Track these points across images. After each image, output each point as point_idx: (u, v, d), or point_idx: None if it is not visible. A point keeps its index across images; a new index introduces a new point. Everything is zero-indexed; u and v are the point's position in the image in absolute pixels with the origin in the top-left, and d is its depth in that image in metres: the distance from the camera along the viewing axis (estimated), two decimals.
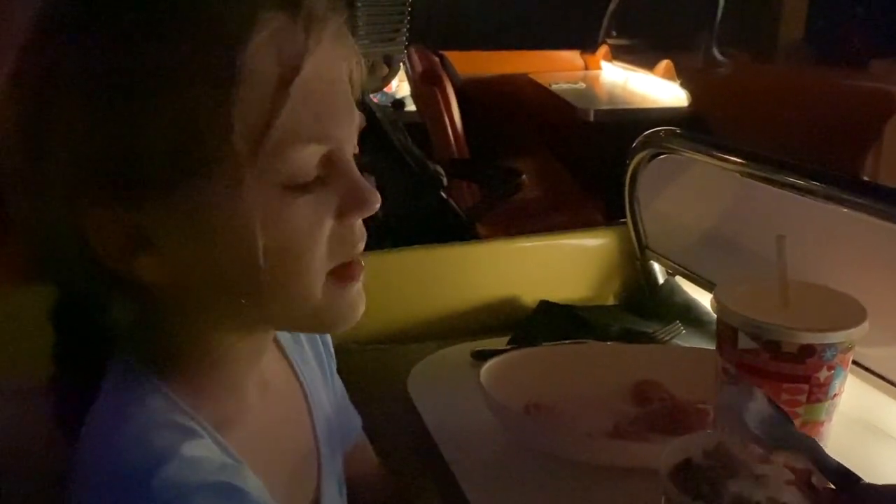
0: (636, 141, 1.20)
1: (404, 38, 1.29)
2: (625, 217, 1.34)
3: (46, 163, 0.48)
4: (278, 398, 0.66)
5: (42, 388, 0.59)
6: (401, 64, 1.53)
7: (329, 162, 0.52)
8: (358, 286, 0.56)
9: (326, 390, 0.75)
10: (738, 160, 1.02)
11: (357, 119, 0.55)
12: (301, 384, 0.70)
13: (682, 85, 3.14)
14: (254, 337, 0.59)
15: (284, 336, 0.71)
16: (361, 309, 0.57)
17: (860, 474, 0.78)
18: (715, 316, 1.17)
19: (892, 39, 3.64)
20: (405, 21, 1.24)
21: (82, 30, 0.48)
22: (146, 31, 0.47)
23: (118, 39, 0.47)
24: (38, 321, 1.03)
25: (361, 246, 0.55)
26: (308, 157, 0.50)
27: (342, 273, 0.54)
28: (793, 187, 0.94)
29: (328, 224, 0.52)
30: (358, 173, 0.54)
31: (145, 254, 0.50)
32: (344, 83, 0.53)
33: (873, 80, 3.23)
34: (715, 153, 1.06)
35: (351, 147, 0.54)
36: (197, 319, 0.55)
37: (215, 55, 0.46)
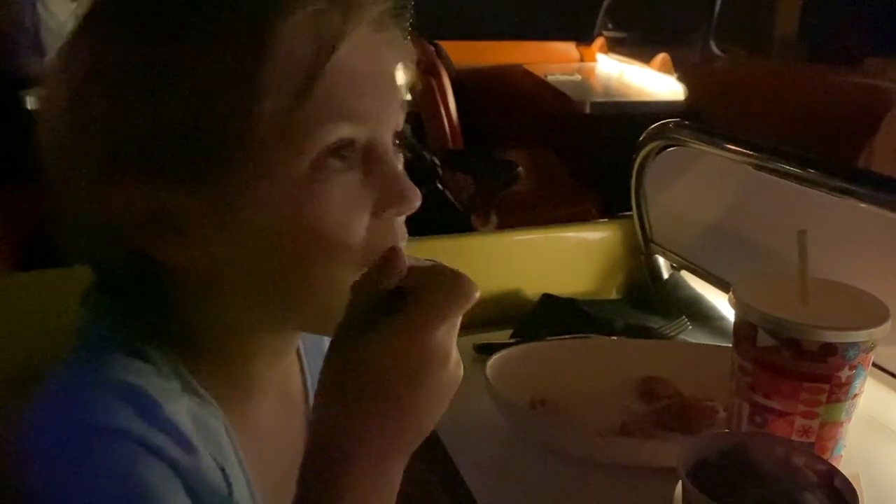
0: (644, 133, 1.17)
1: (408, 24, 1.25)
2: (621, 209, 1.32)
3: (82, 140, 0.48)
4: (287, 411, 0.64)
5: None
6: None
7: (368, 153, 0.50)
8: None
9: None
10: (751, 153, 1.00)
11: (401, 110, 0.52)
12: (303, 371, 0.68)
13: (679, 79, 3.12)
14: (276, 337, 0.57)
15: (310, 339, 0.68)
16: None
17: (869, 471, 0.77)
18: (721, 312, 1.18)
19: (885, 37, 3.65)
20: (409, 6, 1.21)
21: (122, 11, 0.48)
22: (180, 13, 0.46)
23: (153, 20, 0.47)
24: (32, 308, 1.01)
25: (401, 245, 0.52)
26: (339, 136, 0.48)
27: None
28: (808, 181, 0.92)
29: (365, 218, 0.50)
30: (399, 167, 0.51)
31: (170, 235, 0.49)
32: (386, 69, 0.51)
33: (868, 77, 3.23)
34: (726, 145, 1.04)
35: (390, 138, 0.52)
36: (216, 311, 0.53)
37: (248, 29, 0.45)
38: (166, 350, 0.52)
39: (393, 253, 0.48)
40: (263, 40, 0.45)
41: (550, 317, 1.19)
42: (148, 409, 0.46)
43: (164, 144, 0.46)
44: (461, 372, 0.49)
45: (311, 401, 0.66)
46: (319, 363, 0.67)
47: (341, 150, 0.48)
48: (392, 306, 0.47)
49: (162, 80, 0.46)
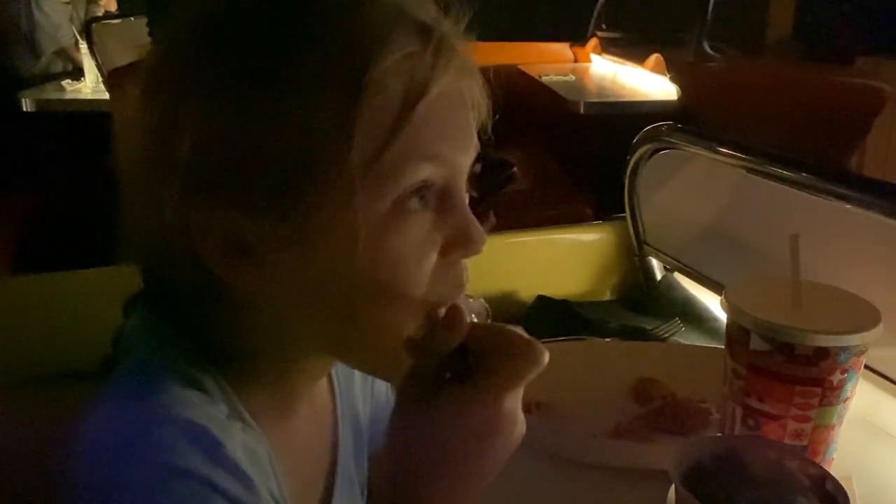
0: (638, 135, 1.18)
1: None
2: (616, 210, 1.33)
3: (168, 160, 0.48)
4: (316, 424, 0.64)
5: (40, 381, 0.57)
6: None
7: (443, 195, 0.51)
8: None
9: (363, 391, 0.72)
10: (743, 156, 1.01)
11: (473, 153, 0.53)
12: (331, 381, 0.67)
13: (672, 79, 3.12)
14: (321, 361, 0.58)
15: None
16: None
17: (861, 473, 0.78)
18: (714, 313, 1.19)
19: (878, 37, 3.66)
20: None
21: (217, 33, 0.48)
22: (280, 39, 0.47)
23: (251, 44, 0.47)
24: (39, 311, 1.01)
25: (462, 290, 0.53)
26: (422, 177, 0.49)
27: None
28: (800, 184, 0.93)
29: (432, 258, 0.50)
30: (469, 211, 0.52)
31: (245, 260, 0.49)
32: (466, 113, 0.52)
33: (861, 76, 3.24)
34: (718, 149, 1.05)
35: (464, 181, 0.53)
36: (272, 335, 0.53)
37: (346, 69, 0.46)
38: (212, 371, 0.52)
39: (455, 311, 0.49)
40: (361, 79, 0.46)
41: (545, 318, 1.20)
42: (213, 449, 0.46)
43: (253, 173, 0.47)
44: (524, 429, 0.50)
45: (340, 413, 0.67)
46: (345, 371, 0.68)
47: (421, 190, 0.49)
48: (457, 366, 0.49)
49: (259, 109, 0.46)
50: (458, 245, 0.51)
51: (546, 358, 0.49)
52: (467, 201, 0.53)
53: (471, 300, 0.54)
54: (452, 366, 0.50)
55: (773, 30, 4.13)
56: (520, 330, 0.51)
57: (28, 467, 0.66)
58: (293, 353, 0.55)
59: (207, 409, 0.49)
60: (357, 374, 0.71)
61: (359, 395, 0.71)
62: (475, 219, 0.52)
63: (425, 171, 0.48)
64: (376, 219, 0.48)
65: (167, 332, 0.53)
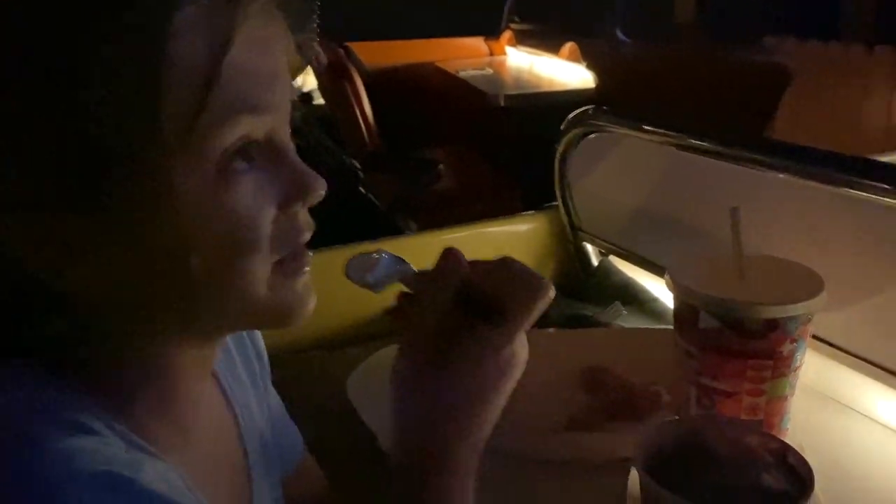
0: (565, 121, 1.17)
1: (315, 25, 1.21)
2: (545, 200, 1.31)
3: None
4: (209, 421, 0.60)
5: None
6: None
7: (268, 146, 0.48)
8: (305, 279, 0.52)
9: (259, 406, 0.69)
10: (672, 134, 1.00)
11: (290, 99, 0.51)
12: (229, 401, 0.64)
13: (588, 66, 3.16)
14: (197, 349, 0.54)
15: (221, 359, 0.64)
16: (312, 304, 0.53)
17: (811, 443, 0.77)
18: (652, 294, 1.18)
19: (778, 16, 3.79)
20: (314, 6, 1.17)
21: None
22: (61, 22, 0.42)
23: (32, 32, 0.43)
24: None
25: (307, 236, 0.51)
26: (241, 132, 0.46)
27: (288, 266, 0.51)
28: (732, 157, 0.93)
29: (270, 213, 0.48)
30: (298, 158, 0.50)
31: (76, 264, 0.46)
32: (276, 59, 0.49)
33: (767, 54, 3.34)
34: (647, 128, 1.04)
35: (287, 132, 0.50)
36: (132, 333, 0.50)
37: (138, 43, 0.42)
38: (96, 409, 0.48)
39: (450, 256, 0.54)
40: (160, 41, 0.42)
41: None
42: (126, 488, 0.42)
43: (59, 168, 0.43)
44: (526, 355, 0.55)
45: (245, 434, 0.64)
46: (226, 358, 0.65)
47: (244, 149, 0.47)
48: (460, 318, 0.52)
49: (59, 98, 0.42)
50: (296, 196, 0.50)
51: (552, 290, 0.52)
52: (293, 149, 0.51)
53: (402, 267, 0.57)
54: (455, 319, 0.52)
55: (679, 14, 4.23)
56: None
57: None
58: (157, 354, 0.52)
59: (103, 451, 0.45)
60: (250, 386, 0.68)
61: (255, 407, 0.67)
62: (306, 165, 0.50)
63: (244, 126, 0.46)
64: (201, 188, 0.45)
65: (41, 377, 0.48)
